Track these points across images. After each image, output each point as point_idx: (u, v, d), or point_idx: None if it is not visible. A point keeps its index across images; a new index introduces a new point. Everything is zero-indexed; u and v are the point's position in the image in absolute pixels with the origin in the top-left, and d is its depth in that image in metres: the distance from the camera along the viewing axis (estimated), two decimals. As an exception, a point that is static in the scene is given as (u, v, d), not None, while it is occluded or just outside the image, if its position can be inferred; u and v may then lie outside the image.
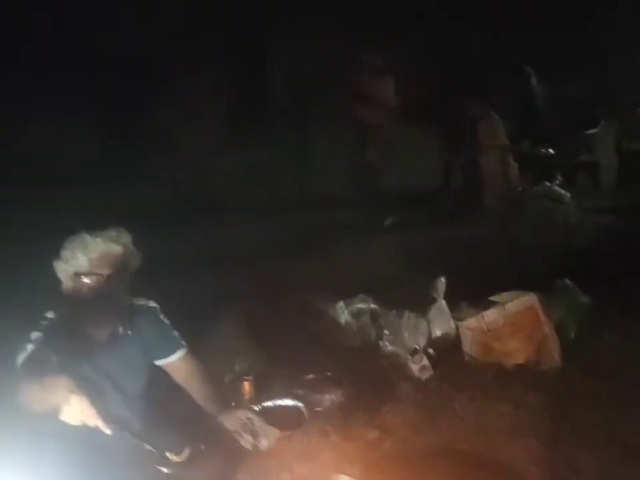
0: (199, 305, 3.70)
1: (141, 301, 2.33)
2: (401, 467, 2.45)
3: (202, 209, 5.41)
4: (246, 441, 2.29)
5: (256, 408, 2.89)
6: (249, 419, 2.34)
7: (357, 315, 3.67)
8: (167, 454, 2.18)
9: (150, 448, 2.11)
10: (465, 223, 5.21)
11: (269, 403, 2.93)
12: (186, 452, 2.25)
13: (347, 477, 2.05)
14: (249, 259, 4.44)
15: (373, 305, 3.68)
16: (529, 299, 3.23)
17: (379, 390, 2.99)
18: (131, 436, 2.06)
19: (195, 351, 2.47)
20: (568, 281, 3.66)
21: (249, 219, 5.14)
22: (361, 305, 3.73)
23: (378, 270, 4.22)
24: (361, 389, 2.99)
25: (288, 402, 2.93)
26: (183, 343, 2.41)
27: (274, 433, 2.37)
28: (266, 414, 2.86)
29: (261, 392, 2.99)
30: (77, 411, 1.71)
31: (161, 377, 2.40)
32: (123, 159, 6.21)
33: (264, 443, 2.32)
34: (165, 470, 2.17)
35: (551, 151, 6.59)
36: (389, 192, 5.98)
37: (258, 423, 2.34)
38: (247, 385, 2.94)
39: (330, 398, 2.90)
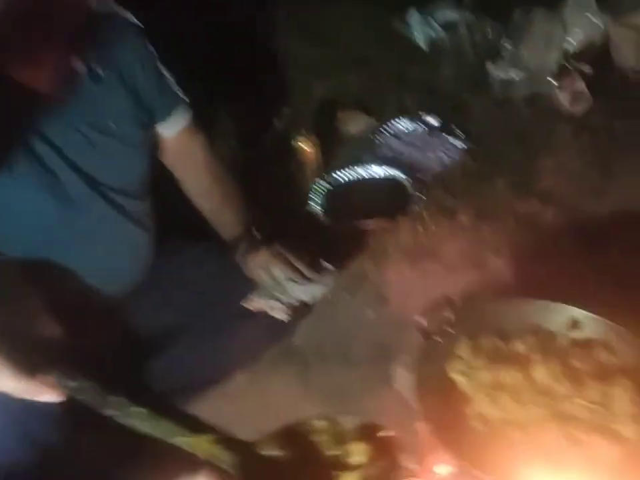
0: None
1: (114, 9, 1.18)
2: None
3: None
4: (271, 308, 1.28)
5: (325, 184, 1.91)
6: (273, 265, 1.30)
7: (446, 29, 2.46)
8: None
9: None
10: None
11: (344, 175, 1.94)
12: None
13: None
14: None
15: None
16: None
17: (516, 143, 1.92)
18: None
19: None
20: None
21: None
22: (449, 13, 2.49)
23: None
24: (490, 142, 1.93)
25: (378, 171, 1.93)
26: (186, 99, 1.32)
27: (314, 289, 1.33)
28: (343, 194, 1.89)
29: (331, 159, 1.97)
30: None
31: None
32: None
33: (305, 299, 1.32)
34: None
35: None
36: None
37: (284, 273, 1.30)
38: (306, 147, 1.86)
39: (447, 158, 1.86)
